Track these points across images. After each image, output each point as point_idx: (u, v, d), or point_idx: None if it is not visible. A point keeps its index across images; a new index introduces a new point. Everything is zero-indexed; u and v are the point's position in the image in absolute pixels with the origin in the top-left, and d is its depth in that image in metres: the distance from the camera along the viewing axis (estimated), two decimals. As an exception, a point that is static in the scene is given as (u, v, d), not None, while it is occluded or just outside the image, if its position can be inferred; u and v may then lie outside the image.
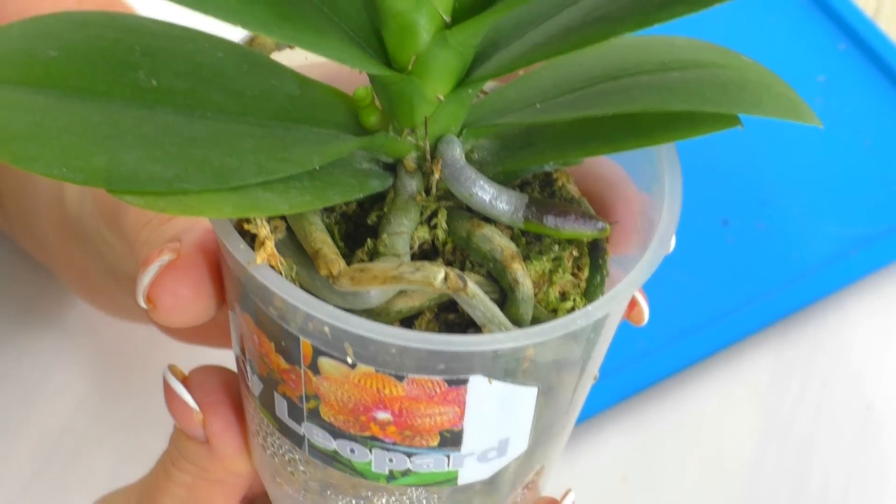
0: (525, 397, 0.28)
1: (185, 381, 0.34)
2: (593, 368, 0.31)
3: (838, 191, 0.62)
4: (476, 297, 0.26)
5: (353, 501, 0.31)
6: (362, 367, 0.27)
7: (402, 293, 0.27)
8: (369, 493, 0.31)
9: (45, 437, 0.54)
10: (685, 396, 0.56)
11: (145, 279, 0.30)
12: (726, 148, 0.62)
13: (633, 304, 0.33)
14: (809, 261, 0.59)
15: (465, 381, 0.27)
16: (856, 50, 0.68)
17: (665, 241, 0.28)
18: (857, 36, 0.68)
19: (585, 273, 0.30)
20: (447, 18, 0.27)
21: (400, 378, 0.27)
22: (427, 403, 0.27)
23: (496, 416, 0.28)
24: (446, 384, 0.27)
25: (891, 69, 0.67)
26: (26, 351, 0.57)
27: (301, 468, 0.32)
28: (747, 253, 0.59)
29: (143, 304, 0.30)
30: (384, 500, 0.31)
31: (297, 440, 0.31)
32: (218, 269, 0.31)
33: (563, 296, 0.29)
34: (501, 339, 0.26)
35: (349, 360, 0.27)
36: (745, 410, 0.56)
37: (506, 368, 0.27)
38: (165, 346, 0.46)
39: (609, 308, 0.27)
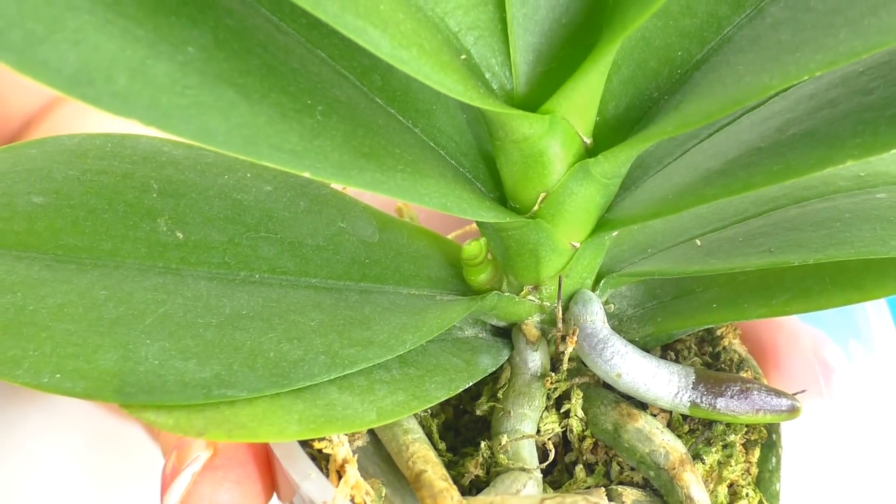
0: None
1: None
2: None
3: None
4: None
5: None
6: None
7: (536, 527, 0.19)
8: None
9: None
10: None
11: (173, 495, 0.22)
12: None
13: None
14: None
15: None
16: None
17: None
18: None
19: (756, 453, 0.22)
20: (588, 141, 0.19)
21: None
22: None
23: None
24: None
25: None
26: (11, 432, 0.50)
27: None
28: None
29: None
30: None
31: None
32: (266, 456, 0.23)
33: (733, 490, 0.22)
34: None
35: None
36: None
37: None
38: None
39: None
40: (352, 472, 0.19)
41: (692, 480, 0.20)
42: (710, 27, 0.20)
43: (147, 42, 0.16)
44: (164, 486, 0.23)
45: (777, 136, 0.19)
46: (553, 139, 0.19)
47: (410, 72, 0.17)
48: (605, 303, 0.22)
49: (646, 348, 0.22)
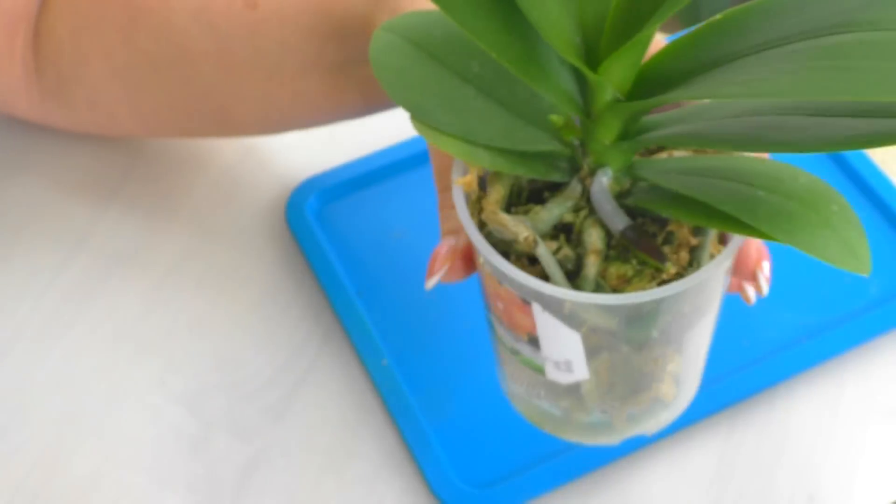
0: (571, 335, 0.44)
1: None
2: (654, 352, 0.46)
3: (793, 279, 0.63)
4: (542, 256, 0.43)
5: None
6: (487, 269, 0.45)
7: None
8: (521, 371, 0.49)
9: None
10: (629, 482, 0.59)
11: (431, 283, 0.48)
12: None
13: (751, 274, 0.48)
14: (761, 348, 0.60)
15: (529, 303, 0.44)
16: None
17: (722, 262, 0.42)
18: None
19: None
20: (621, 97, 0.43)
21: (500, 282, 0.44)
22: (514, 307, 0.45)
23: (554, 337, 0.45)
24: (520, 300, 0.44)
25: (842, 159, 0.68)
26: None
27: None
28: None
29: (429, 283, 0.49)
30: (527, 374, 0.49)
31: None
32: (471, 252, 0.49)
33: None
34: (535, 283, 0.42)
35: (482, 260, 0.45)
36: (689, 499, 0.58)
37: (552, 307, 0.43)
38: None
39: (611, 302, 0.42)
40: (472, 178, 0.45)
41: (591, 259, 0.43)
42: (708, 63, 0.41)
43: None
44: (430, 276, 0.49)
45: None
46: (606, 84, 0.42)
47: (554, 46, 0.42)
48: (632, 183, 0.45)
49: (633, 212, 0.45)
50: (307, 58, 0.60)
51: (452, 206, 0.52)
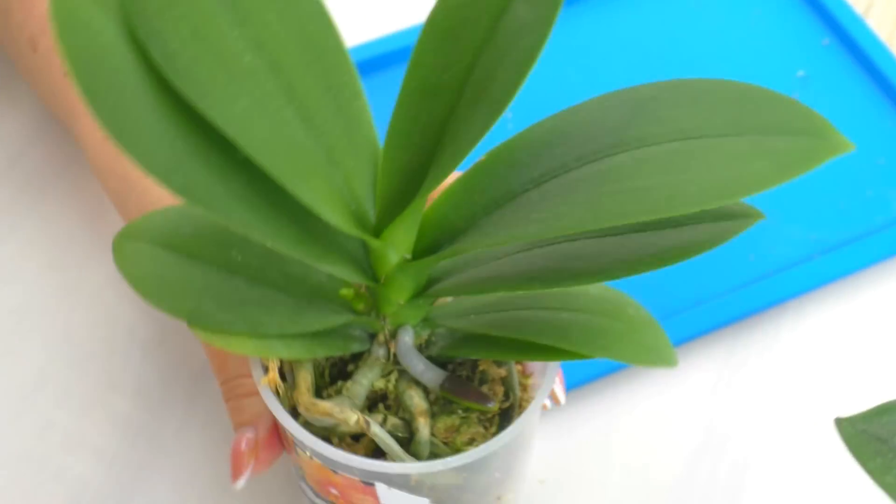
0: (418, 503, 0.43)
1: None
2: (497, 490, 0.45)
3: (807, 192, 0.59)
4: (376, 435, 0.41)
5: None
6: (315, 461, 0.43)
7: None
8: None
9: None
10: (615, 398, 0.54)
11: (241, 483, 0.46)
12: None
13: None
14: (768, 264, 0.55)
15: (372, 484, 0.42)
16: (841, 46, 0.63)
17: (547, 389, 0.42)
18: (844, 32, 0.64)
19: (494, 429, 0.44)
20: (408, 256, 0.42)
21: (335, 471, 0.42)
22: (353, 491, 0.43)
23: (402, 513, 0.43)
24: (361, 483, 0.42)
25: (876, 68, 0.62)
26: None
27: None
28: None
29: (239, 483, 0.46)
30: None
31: (301, 492, 0.47)
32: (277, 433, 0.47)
33: (472, 441, 0.44)
34: (381, 466, 0.41)
35: (308, 454, 0.43)
36: (682, 418, 0.53)
37: (398, 482, 0.42)
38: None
39: (463, 461, 0.41)
40: (273, 375, 0.43)
41: (421, 422, 0.42)
42: (490, 205, 0.42)
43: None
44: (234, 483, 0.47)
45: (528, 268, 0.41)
46: (390, 251, 0.42)
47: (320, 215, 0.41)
48: (430, 336, 0.44)
49: (441, 360, 0.44)
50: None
51: (238, 397, 0.49)
